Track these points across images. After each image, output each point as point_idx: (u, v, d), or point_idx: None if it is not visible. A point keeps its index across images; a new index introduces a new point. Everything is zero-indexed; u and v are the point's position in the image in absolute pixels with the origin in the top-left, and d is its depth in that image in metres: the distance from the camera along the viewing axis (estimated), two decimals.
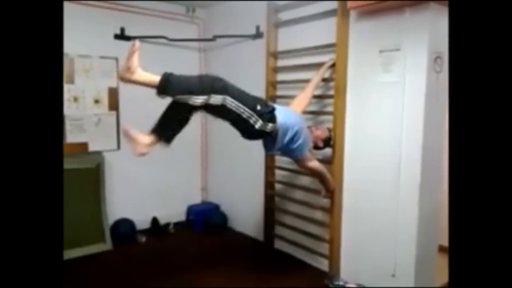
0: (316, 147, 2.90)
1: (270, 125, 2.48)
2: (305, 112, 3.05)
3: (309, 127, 2.89)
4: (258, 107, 2.41)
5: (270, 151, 2.78)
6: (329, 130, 2.94)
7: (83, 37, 3.59)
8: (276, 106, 2.63)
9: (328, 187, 2.95)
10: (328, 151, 3.02)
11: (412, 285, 2.59)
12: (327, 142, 2.92)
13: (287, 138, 2.59)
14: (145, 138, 2.26)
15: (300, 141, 2.64)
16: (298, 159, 2.78)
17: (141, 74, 2.16)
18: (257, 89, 3.58)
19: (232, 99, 2.29)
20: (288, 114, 2.63)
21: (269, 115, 2.48)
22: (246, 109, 2.35)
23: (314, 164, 2.83)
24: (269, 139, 2.61)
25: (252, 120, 2.39)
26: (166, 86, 2.14)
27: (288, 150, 2.70)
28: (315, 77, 2.99)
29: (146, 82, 2.17)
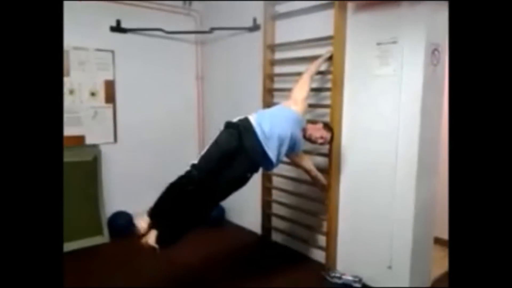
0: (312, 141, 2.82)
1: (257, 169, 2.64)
2: None
3: (312, 122, 2.85)
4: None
5: (269, 170, 2.74)
6: (331, 130, 2.82)
7: (78, 29, 3.54)
8: (258, 122, 2.54)
9: (319, 185, 2.98)
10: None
11: (407, 277, 2.62)
12: (325, 141, 2.80)
13: (280, 156, 2.61)
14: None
15: (289, 146, 2.63)
16: (288, 154, 2.81)
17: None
18: (254, 82, 3.60)
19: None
20: (271, 131, 2.52)
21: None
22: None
23: (304, 162, 2.87)
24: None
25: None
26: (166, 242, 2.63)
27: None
28: (311, 67, 2.91)
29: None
